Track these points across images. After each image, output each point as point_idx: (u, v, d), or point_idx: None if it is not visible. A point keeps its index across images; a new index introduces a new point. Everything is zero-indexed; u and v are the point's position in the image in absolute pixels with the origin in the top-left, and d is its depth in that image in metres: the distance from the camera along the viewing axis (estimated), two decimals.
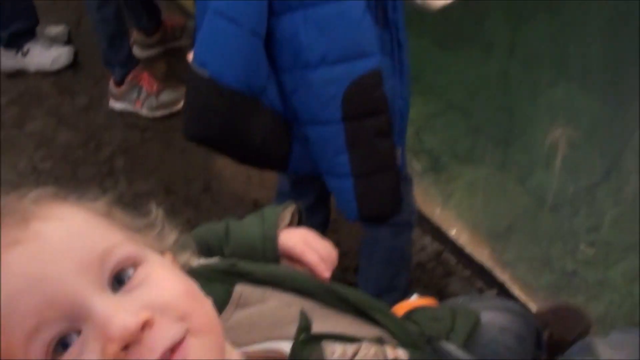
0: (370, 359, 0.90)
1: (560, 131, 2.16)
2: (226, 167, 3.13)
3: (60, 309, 0.71)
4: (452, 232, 2.68)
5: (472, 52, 2.40)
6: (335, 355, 0.90)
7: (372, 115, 1.80)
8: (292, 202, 1.36)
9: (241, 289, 1.02)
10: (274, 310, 1.00)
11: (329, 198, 2.42)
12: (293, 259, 1.27)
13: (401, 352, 0.94)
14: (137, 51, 3.65)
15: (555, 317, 2.08)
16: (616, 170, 2.10)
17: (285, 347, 0.90)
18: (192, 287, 0.82)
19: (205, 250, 1.27)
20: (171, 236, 0.92)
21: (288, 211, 1.33)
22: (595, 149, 2.13)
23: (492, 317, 1.45)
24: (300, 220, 1.36)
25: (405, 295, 2.27)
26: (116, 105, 3.48)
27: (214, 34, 1.71)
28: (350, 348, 0.91)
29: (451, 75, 2.48)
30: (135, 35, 3.68)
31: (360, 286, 2.31)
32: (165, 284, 0.78)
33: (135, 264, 0.78)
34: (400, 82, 1.86)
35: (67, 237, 0.76)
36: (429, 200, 2.72)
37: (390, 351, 0.93)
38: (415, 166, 2.65)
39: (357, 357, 0.89)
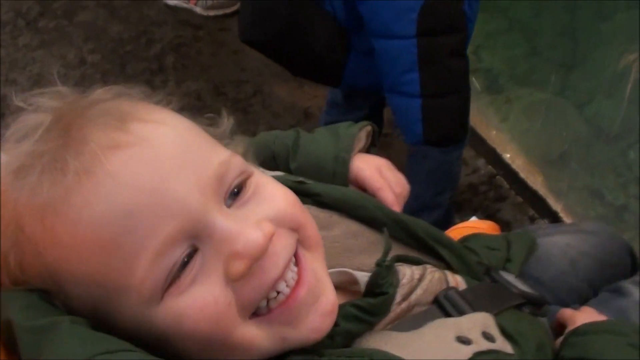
0: (435, 283, 0.94)
1: (633, 57, 2.18)
2: (279, 73, 3.18)
3: (185, 228, 0.70)
4: (507, 156, 2.75)
5: None
6: (405, 279, 0.91)
7: (448, 32, 1.79)
8: (369, 122, 1.30)
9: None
10: (340, 240, 0.99)
11: (382, 111, 2.46)
12: (364, 189, 1.22)
13: (460, 280, 0.99)
14: None
15: None
16: None
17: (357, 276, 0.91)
18: (297, 198, 0.82)
19: (269, 160, 1.25)
20: (240, 147, 0.90)
21: (364, 132, 1.28)
22: None
23: (568, 241, 1.38)
24: (373, 142, 1.32)
25: (447, 213, 2.36)
26: (170, 0, 3.59)
27: None
28: (416, 272, 0.94)
29: None
30: None
31: None
32: (276, 195, 0.79)
33: (245, 177, 0.78)
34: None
35: (181, 146, 0.74)
36: (484, 121, 2.79)
37: (451, 277, 0.98)
38: (472, 85, 2.71)
39: (423, 281, 0.93)
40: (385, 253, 0.87)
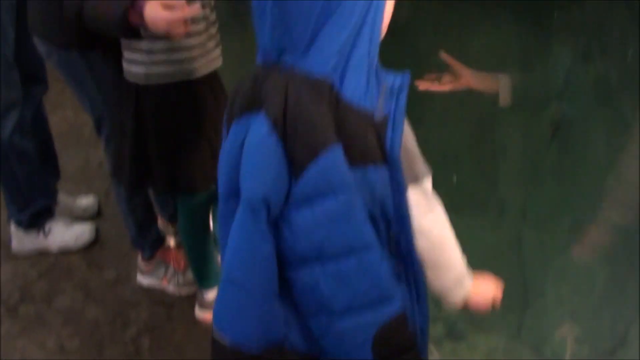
0: None
1: (575, 298, 2.25)
2: None
3: None
4: None
5: (486, 216, 2.56)
6: None
7: (401, 353, 1.87)
8: None
9: None
10: None
11: None
12: None
13: None
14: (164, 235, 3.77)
15: None
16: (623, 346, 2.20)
17: None
18: None
19: None
20: None
21: None
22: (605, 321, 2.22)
23: None
24: None
25: None
26: (144, 280, 3.70)
27: (227, 302, 1.82)
28: None
29: (464, 241, 2.60)
30: (160, 222, 3.77)
31: None
32: None
33: None
34: (418, 305, 1.92)
35: None
36: None
37: None
38: (432, 335, 2.74)
39: None
40: None
